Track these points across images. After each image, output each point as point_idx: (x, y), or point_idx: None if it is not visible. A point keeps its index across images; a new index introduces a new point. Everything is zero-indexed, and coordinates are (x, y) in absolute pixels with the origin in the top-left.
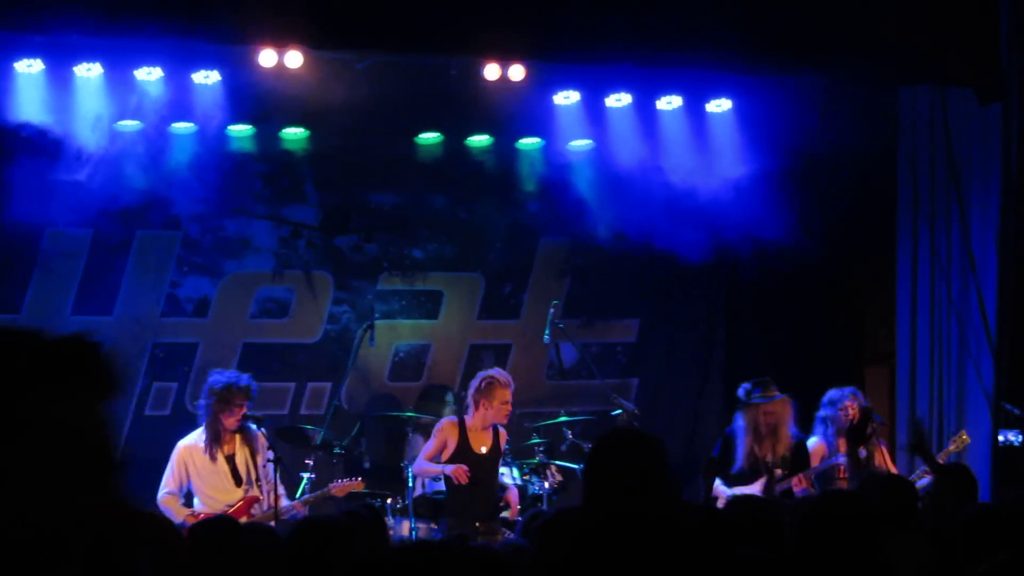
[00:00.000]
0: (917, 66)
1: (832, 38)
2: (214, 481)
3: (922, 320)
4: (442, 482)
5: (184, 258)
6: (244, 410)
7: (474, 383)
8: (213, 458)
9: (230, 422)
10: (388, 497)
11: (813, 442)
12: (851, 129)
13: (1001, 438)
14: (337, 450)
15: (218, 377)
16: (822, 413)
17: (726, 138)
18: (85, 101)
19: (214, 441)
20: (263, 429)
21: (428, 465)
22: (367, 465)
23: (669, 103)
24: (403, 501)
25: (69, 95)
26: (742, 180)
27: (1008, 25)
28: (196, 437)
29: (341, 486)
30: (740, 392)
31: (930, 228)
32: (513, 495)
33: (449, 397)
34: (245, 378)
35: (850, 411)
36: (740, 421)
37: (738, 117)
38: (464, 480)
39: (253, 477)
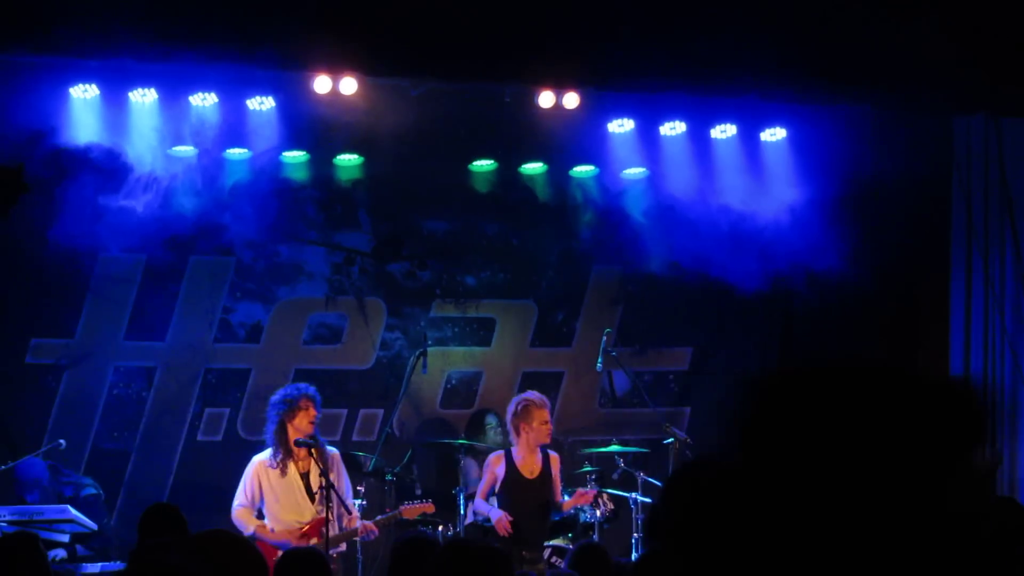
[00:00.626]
0: (971, 96)
1: (886, 67)
2: (286, 497)
3: (976, 348)
4: (496, 512)
5: (237, 284)
6: (313, 416)
7: (510, 409)
8: (284, 472)
9: (302, 425)
10: (440, 524)
11: None
12: (905, 157)
13: None
14: (389, 477)
15: (280, 391)
16: None
17: (780, 166)
18: (139, 126)
19: (285, 453)
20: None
21: (482, 507)
22: (419, 492)
23: (723, 131)
24: (455, 528)
25: (124, 120)
26: (796, 208)
27: None
28: (269, 452)
29: (412, 508)
30: None
31: (984, 257)
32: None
33: (491, 419)
34: (308, 386)
35: None
36: None
37: (792, 145)
38: (504, 533)
39: (325, 496)
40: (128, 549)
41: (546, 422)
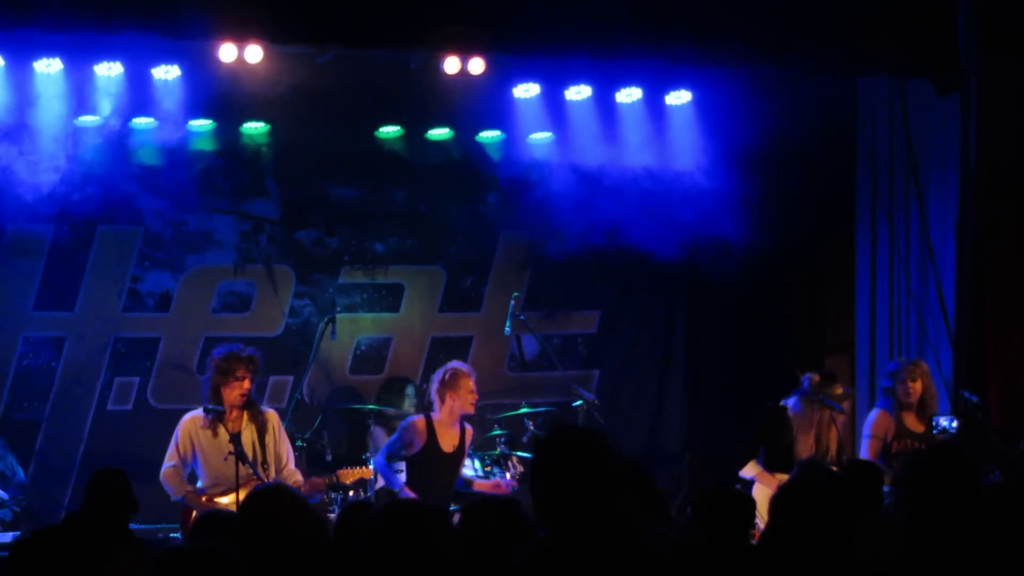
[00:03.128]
0: (874, 57)
1: (789, 30)
2: (216, 458)
3: (881, 309)
4: (397, 478)
5: (145, 253)
6: (247, 383)
7: (436, 377)
8: (215, 433)
9: (232, 396)
10: (351, 490)
11: (873, 413)
12: (811, 121)
13: (934, 423)
14: (299, 443)
15: (219, 349)
16: (883, 384)
17: (686, 131)
18: (45, 96)
19: (217, 415)
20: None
21: (390, 476)
22: (329, 458)
23: (629, 95)
24: (365, 493)
25: (29, 90)
26: (702, 172)
27: (965, 16)
28: (200, 411)
29: (350, 472)
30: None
31: (889, 218)
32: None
33: (410, 390)
34: (249, 349)
35: (908, 385)
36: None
37: (698, 109)
38: None
39: (259, 459)
40: (38, 519)
41: (472, 391)
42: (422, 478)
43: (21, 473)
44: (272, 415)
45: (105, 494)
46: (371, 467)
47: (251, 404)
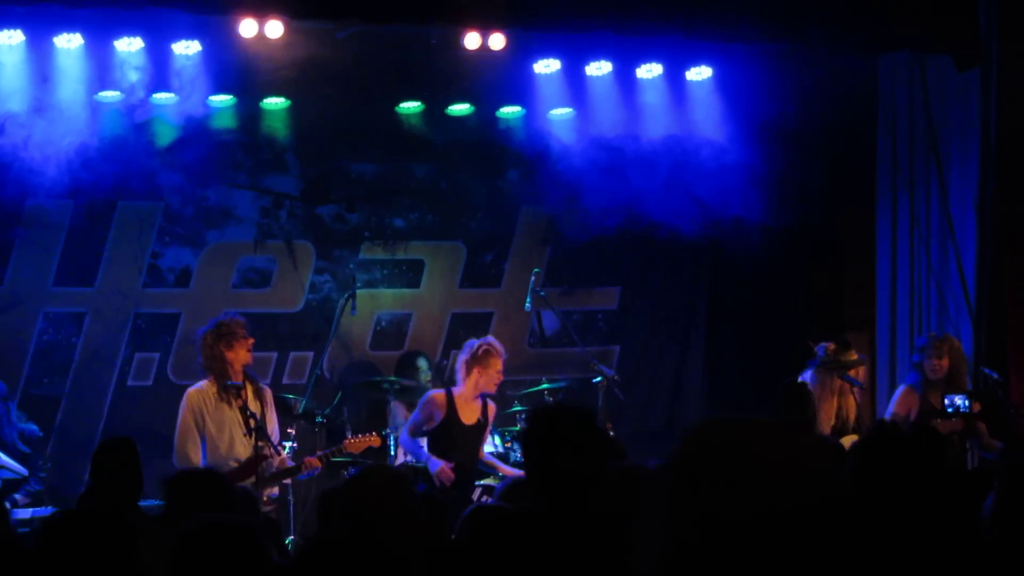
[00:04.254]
0: (894, 33)
1: (809, 5)
2: (225, 429)
3: (902, 285)
4: (423, 451)
5: (166, 228)
6: (249, 343)
7: (468, 350)
8: (228, 403)
9: (239, 356)
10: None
11: (900, 388)
12: (831, 96)
13: (947, 402)
14: (319, 419)
15: (203, 328)
16: (913, 359)
17: (707, 106)
18: (65, 72)
19: (222, 386)
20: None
21: (416, 449)
22: (349, 434)
23: (649, 71)
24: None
25: (49, 66)
26: (722, 148)
27: None
28: (205, 383)
29: (357, 441)
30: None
31: (909, 194)
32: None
33: (422, 362)
34: (235, 312)
35: (934, 361)
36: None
37: (718, 85)
38: (448, 482)
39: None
40: (59, 495)
41: (499, 371)
42: (443, 451)
43: (33, 427)
44: (269, 391)
45: (110, 465)
46: (377, 435)
47: (253, 378)
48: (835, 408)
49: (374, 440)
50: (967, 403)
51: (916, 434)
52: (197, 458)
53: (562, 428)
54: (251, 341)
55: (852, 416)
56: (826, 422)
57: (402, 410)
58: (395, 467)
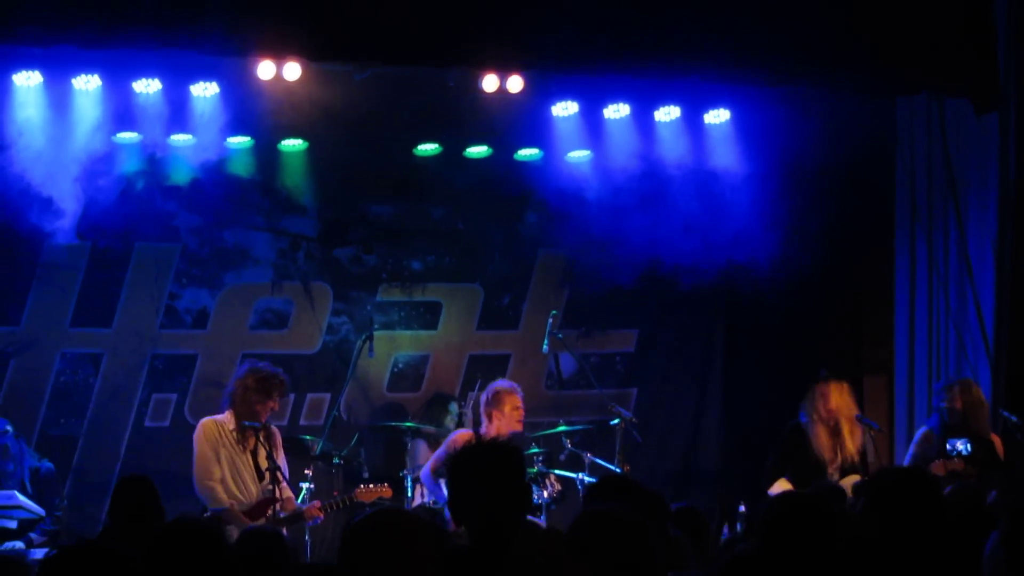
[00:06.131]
0: (913, 76)
1: (827, 49)
2: (238, 471)
3: (920, 329)
4: (442, 491)
5: (183, 270)
6: (276, 407)
7: (483, 397)
8: (243, 447)
9: (267, 408)
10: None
11: (920, 431)
12: (849, 139)
13: (949, 447)
14: (336, 460)
15: (260, 364)
16: (934, 402)
17: (725, 149)
18: (83, 113)
19: (240, 428)
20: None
21: (436, 489)
22: (366, 475)
23: (667, 114)
24: None
25: (67, 107)
26: (740, 191)
27: (1005, 35)
28: (224, 417)
29: (368, 491)
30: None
31: (928, 237)
32: None
33: (453, 407)
34: (284, 375)
35: (950, 404)
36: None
37: (736, 127)
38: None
39: (269, 477)
40: (76, 535)
41: (517, 407)
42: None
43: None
44: (278, 432)
45: (129, 504)
46: (389, 486)
47: (267, 427)
48: (831, 447)
49: (385, 491)
50: (968, 447)
51: (909, 479)
52: (219, 487)
53: (480, 468)
54: (276, 408)
55: (858, 456)
56: (831, 461)
57: (423, 449)
58: (409, 511)
